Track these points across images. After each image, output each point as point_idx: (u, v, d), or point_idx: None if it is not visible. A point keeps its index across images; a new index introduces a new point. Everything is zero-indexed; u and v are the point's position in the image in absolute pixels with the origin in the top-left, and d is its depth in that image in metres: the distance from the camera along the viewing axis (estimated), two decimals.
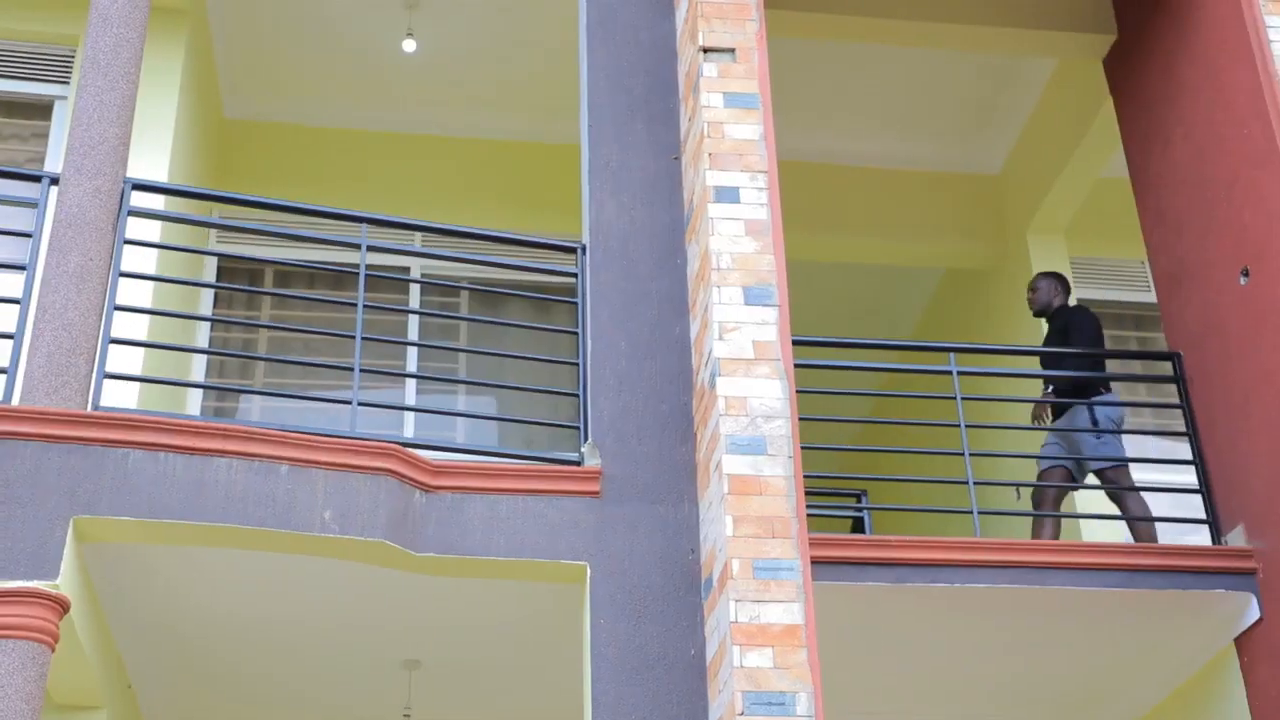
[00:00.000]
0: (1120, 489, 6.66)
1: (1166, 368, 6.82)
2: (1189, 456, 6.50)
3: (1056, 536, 6.68)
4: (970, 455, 6.34)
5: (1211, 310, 6.42)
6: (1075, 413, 6.93)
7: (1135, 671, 6.55)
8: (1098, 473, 6.82)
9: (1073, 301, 7.83)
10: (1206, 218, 6.47)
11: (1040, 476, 6.91)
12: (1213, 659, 6.25)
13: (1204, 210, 6.50)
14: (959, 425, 6.38)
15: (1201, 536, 6.46)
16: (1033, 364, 7.85)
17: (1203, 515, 6.33)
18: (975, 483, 6.29)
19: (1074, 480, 6.89)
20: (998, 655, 6.40)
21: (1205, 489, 6.35)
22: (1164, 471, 7.33)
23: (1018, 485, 6.97)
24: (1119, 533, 7.27)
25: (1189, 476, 6.59)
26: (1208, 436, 6.39)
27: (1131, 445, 7.88)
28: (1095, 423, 6.81)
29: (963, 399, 6.41)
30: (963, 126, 8.77)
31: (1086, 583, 5.91)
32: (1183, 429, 6.61)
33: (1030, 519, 6.96)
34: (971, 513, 6.18)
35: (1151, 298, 8.46)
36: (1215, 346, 6.38)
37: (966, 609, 6.00)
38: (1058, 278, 7.50)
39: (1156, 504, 7.42)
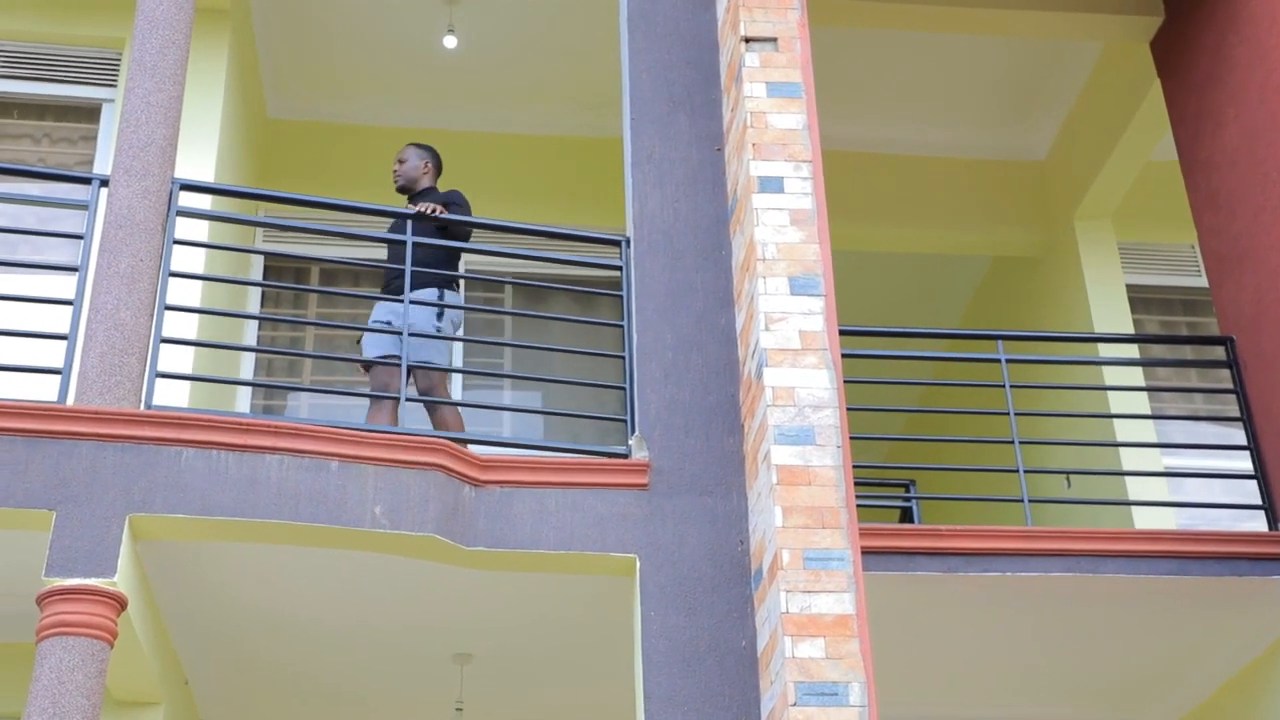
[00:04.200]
0: (434, 401, 6.09)
1: (1219, 352, 6.74)
2: (1244, 442, 6.42)
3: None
4: (1020, 443, 6.30)
5: (1266, 293, 6.34)
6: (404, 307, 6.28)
7: (1190, 659, 6.48)
8: (411, 369, 6.16)
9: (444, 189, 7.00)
10: (1260, 199, 6.39)
11: (372, 372, 6.41)
12: (1270, 646, 6.18)
13: (1258, 191, 6.41)
14: (1008, 413, 6.34)
15: (1257, 522, 6.39)
16: (1082, 350, 7.78)
17: (1258, 501, 6.26)
18: (1026, 471, 6.24)
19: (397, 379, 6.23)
20: (1050, 645, 6.35)
21: (1261, 474, 6.27)
22: (1218, 457, 7.24)
23: (1068, 473, 6.91)
24: (1171, 520, 7.21)
25: (1244, 462, 6.52)
26: (1262, 421, 6.31)
27: (1185, 431, 7.81)
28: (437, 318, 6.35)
29: (1012, 387, 6.36)
30: (1007, 113, 8.70)
31: (1140, 570, 5.86)
32: (1236, 414, 6.53)
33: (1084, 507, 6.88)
34: (1022, 501, 6.14)
35: (1202, 282, 8.37)
36: (1270, 329, 6.29)
37: (1018, 598, 5.96)
38: (430, 151, 6.91)
39: (1211, 490, 7.35)
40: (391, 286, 6.50)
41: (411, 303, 6.04)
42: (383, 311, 6.48)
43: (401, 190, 6.85)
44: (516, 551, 5.29)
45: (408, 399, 5.66)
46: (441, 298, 6.42)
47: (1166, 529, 6.50)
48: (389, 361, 6.12)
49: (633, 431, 5.59)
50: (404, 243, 6.03)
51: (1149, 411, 7.59)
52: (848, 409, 5.34)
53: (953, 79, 8.43)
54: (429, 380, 6.29)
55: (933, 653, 6.41)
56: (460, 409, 6.37)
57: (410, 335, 5.94)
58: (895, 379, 6.63)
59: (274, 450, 5.15)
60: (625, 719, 6.04)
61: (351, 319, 7.89)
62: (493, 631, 5.96)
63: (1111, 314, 8.03)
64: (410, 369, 6.07)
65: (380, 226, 7.61)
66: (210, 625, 5.82)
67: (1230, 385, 6.56)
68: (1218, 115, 6.77)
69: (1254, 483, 6.33)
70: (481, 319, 8.03)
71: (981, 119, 8.72)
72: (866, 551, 5.43)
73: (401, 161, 6.86)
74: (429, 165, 6.88)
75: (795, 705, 4.56)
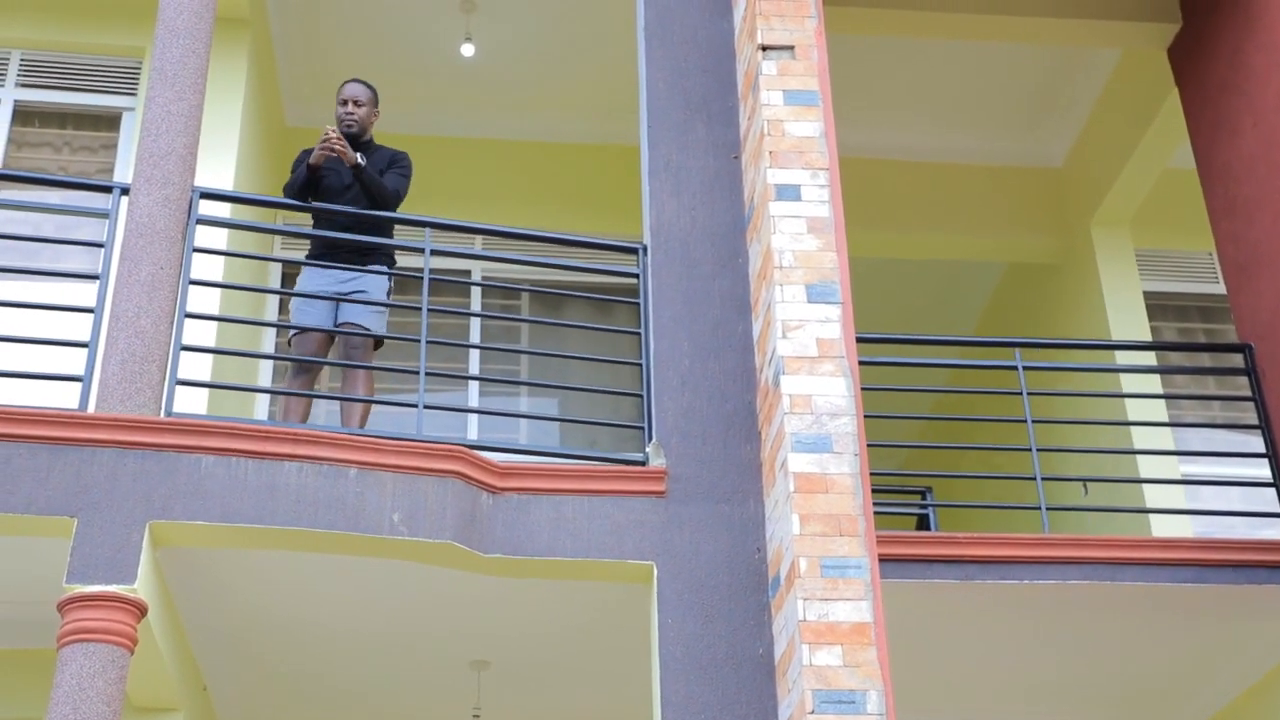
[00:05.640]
0: (353, 365, 5.99)
1: (1237, 360, 6.72)
2: (1262, 449, 6.40)
3: (305, 419, 6.14)
4: (1037, 450, 6.29)
5: None
6: (361, 280, 6.26)
7: (1208, 668, 6.46)
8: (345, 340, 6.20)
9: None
10: (1278, 205, 6.37)
11: (294, 343, 6.26)
12: None
13: (1276, 198, 6.39)
14: (1025, 421, 6.33)
15: (1275, 530, 6.37)
16: (1099, 357, 7.76)
17: (1277, 509, 6.24)
18: (1042, 478, 6.23)
19: (325, 351, 6.25)
20: (1067, 653, 6.34)
21: (1279, 483, 6.25)
22: (1236, 465, 7.22)
23: (1085, 480, 6.91)
24: (1188, 528, 7.19)
25: (1262, 470, 6.49)
26: None
27: (1202, 438, 7.79)
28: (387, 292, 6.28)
29: (1028, 394, 6.36)
30: (1024, 120, 8.69)
31: (1158, 578, 5.84)
32: (1254, 422, 6.51)
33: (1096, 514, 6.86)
34: (1039, 509, 6.13)
35: (1219, 289, 8.35)
36: None
37: (1036, 606, 5.95)
38: (376, 94, 6.52)
39: (1229, 498, 7.33)
40: (339, 256, 6.33)
41: (371, 273, 6.19)
42: (325, 280, 6.31)
43: (351, 137, 6.43)
44: (534, 559, 5.30)
45: (426, 406, 5.67)
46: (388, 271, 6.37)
47: (1184, 537, 6.48)
48: (356, 332, 6.14)
49: (650, 439, 5.60)
50: (360, 218, 6.13)
51: (1166, 419, 7.57)
52: (864, 416, 5.35)
53: (969, 86, 8.43)
54: (361, 346, 6.21)
55: (950, 660, 6.40)
56: (474, 414, 6.38)
57: (365, 302, 6.09)
58: (912, 386, 6.63)
59: (293, 457, 5.17)
60: None
61: None
62: (510, 638, 5.97)
63: (1129, 321, 8.02)
64: (347, 337, 6.17)
65: (399, 234, 7.63)
66: (229, 632, 5.84)
67: (1248, 393, 6.54)
68: (1235, 122, 6.76)
69: (1272, 490, 6.31)
70: (498, 326, 8.05)
71: (998, 125, 8.71)
72: (883, 559, 5.43)
73: (358, 104, 6.48)
74: (376, 111, 6.59)
75: (813, 713, 4.56)
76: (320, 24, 8.00)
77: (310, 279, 6.41)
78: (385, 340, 6.42)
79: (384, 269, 6.28)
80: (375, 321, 6.33)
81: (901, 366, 6.63)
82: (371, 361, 6.30)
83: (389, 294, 6.41)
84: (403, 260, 7.94)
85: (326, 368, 6.56)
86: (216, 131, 6.99)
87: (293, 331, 6.33)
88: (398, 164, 6.52)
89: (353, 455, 5.21)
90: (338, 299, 6.16)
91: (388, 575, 5.41)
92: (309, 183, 6.31)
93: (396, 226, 6.99)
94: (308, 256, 6.51)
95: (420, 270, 6.27)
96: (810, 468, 5.03)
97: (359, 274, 6.30)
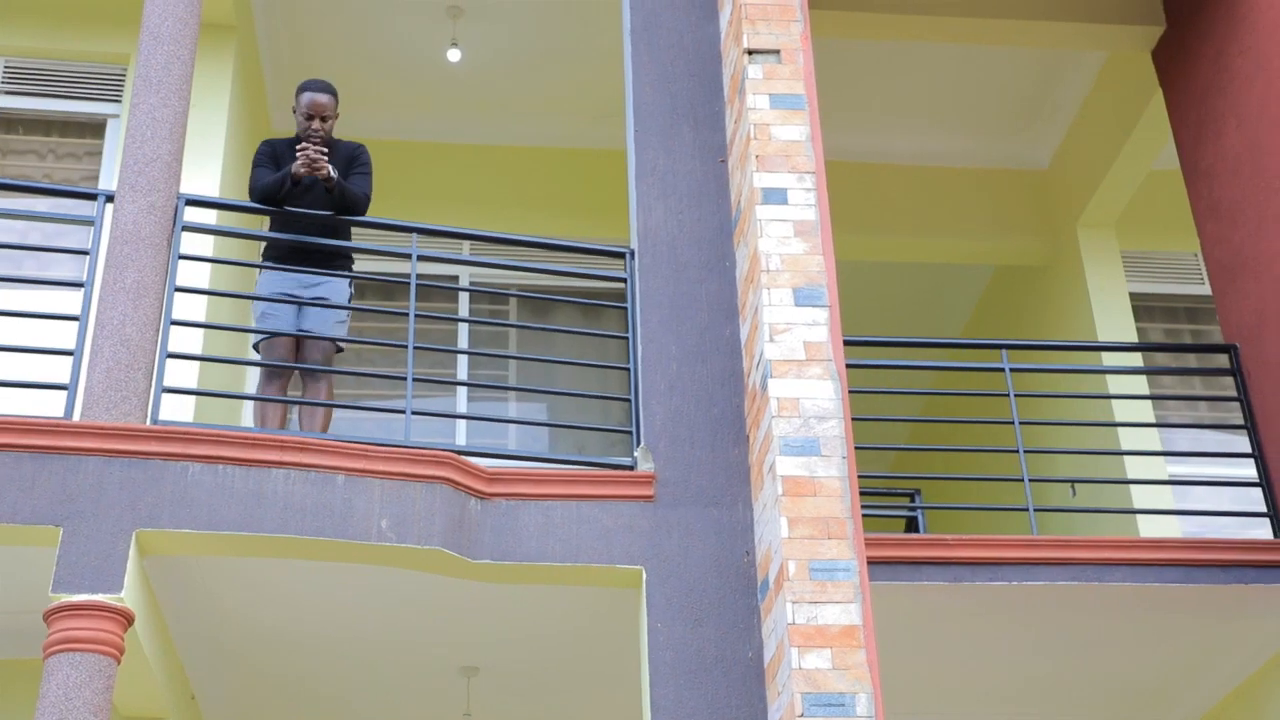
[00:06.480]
0: (322, 369, 5.98)
1: (1223, 360, 6.75)
2: (1248, 450, 6.42)
3: (283, 424, 6.10)
4: (1025, 452, 6.30)
5: (1269, 301, 6.34)
6: (325, 284, 6.21)
7: (1196, 668, 6.48)
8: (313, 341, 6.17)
9: None
10: (1262, 207, 6.40)
11: (262, 349, 6.19)
12: (1277, 653, 6.18)
13: (1260, 200, 6.42)
14: (1013, 422, 6.34)
15: (1262, 530, 6.39)
16: (1086, 359, 7.79)
17: (1263, 508, 6.26)
18: (1030, 480, 6.24)
19: (295, 356, 6.18)
20: (1056, 654, 6.35)
21: (1265, 482, 6.27)
22: (1223, 465, 7.24)
23: (1073, 481, 6.92)
24: (1175, 528, 7.21)
25: (1248, 470, 6.52)
26: (1266, 429, 6.31)
27: (1189, 439, 7.81)
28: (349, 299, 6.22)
29: (1016, 395, 6.37)
30: (1010, 122, 8.71)
31: (1146, 579, 5.86)
32: (1240, 422, 6.54)
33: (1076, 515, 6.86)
34: (1027, 510, 6.15)
35: (1205, 290, 8.38)
36: (1272, 337, 6.30)
37: (1024, 607, 5.96)
38: (337, 95, 6.39)
39: (1216, 498, 7.35)
40: (310, 261, 6.24)
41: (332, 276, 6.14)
42: (288, 284, 6.24)
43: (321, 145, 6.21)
44: (523, 564, 5.29)
45: (414, 412, 5.66)
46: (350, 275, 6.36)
47: (1171, 537, 6.50)
48: (312, 335, 6.09)
49: (638, 443, 5.60)
50: (323, 219, 6.08)
51: (1153, 420, 7.59)
52: (852, 419, 5.35)
53: (955, 89, 8.45)
54: (328, 352, 6.20)
55: (938, 662, 6.41)
56: (462, 420, 6.36)
57: (331, 306, 6.05)
58: (900, 389, 6.63)
59: (280, 464, 5.16)
60: None
61: (356, 332, 7.89)
62: (499, 644, 5.96)
63: (1115, 322, 8.05)
64: (312, 342, 6.12)
65: (385, 239, 7.63)
66: (217, 640, 5.83)
67: (1234, 393, 6.56)
68: (1219, 124, 6.78)
69: (1258, 490, 6.34)
70: (486, 331, 8.04)
71: (984, 128, 8.74)
72: (872, 561, 5.43)
73: (324, 119, 6.30)
74: (338, 112, 6.45)
75: (802, 716, 4.56)
76: (306, 29, 7.99)
77: (271, 283, 6.31)
78: (374, 346, 6.40)
79: (346, 273, 6.24)
80: (338, 328, 6.29)
81: (889, 369, 6.65)
82: (333, 364, 6.27)
83: (350, 298, 6.37)
84: (390, 266, 7.94)
85: (295, 372, 6.51)
86: (202, 138, 6.97)
87: (259, 338, 6.27)
88: (359, 163, 6.39)
89: (340, 462, 5.20)
90: (304, 302, 6.12)
91: (376, 582, 5.40)
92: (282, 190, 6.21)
93: (384, 232, 6.99)
94: (265, 259, 6.39)
95: (407, 276, 6.26)
96: (798, 471, 5.03)
97: (323, 278, 6.24)
